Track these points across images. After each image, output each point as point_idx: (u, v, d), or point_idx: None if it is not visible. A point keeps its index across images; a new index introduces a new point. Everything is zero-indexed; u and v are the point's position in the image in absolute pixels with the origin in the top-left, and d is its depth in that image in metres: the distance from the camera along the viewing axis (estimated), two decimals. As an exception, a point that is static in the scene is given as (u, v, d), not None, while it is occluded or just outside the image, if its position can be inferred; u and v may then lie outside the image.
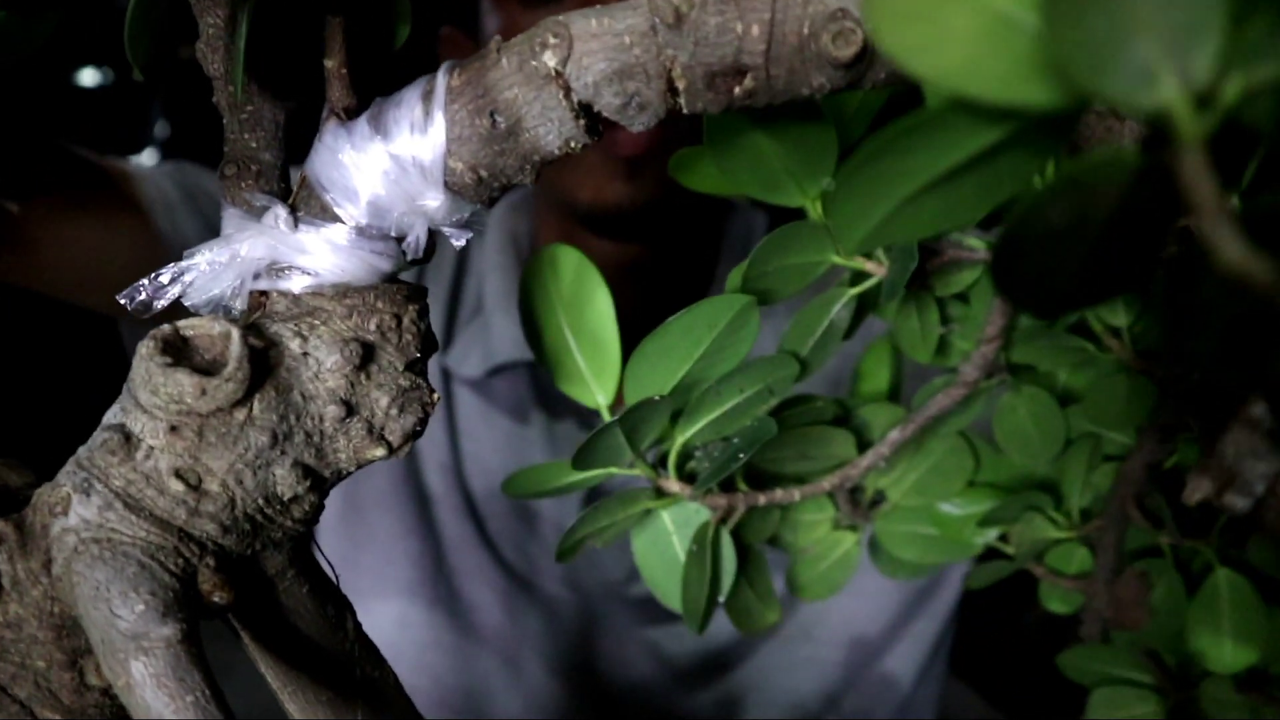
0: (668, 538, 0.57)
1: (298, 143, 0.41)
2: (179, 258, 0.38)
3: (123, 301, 0.39)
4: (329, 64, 0.39)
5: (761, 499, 0.58)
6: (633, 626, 1.12)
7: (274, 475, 0.38)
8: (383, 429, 0.40)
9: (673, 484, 0.55)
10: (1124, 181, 0.22)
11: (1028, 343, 0.59)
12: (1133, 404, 0.58)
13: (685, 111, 0.37)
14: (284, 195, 0.41)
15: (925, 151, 0.27)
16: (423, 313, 0.41)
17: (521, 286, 0.54)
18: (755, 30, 0.35)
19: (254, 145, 0.40)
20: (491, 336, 1.10)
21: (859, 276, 0.55)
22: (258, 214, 0.39)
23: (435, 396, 0.41)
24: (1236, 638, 0.59)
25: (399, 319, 0.40)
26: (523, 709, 1.11)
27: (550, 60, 0.36)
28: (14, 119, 0.80)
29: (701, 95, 0.36)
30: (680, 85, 0.36)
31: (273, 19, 0.37)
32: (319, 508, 0.40)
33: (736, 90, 0.36)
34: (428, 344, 0.41)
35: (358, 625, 0.45)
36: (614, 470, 0.54)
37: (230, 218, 0.40)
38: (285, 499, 0.38)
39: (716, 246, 1.18)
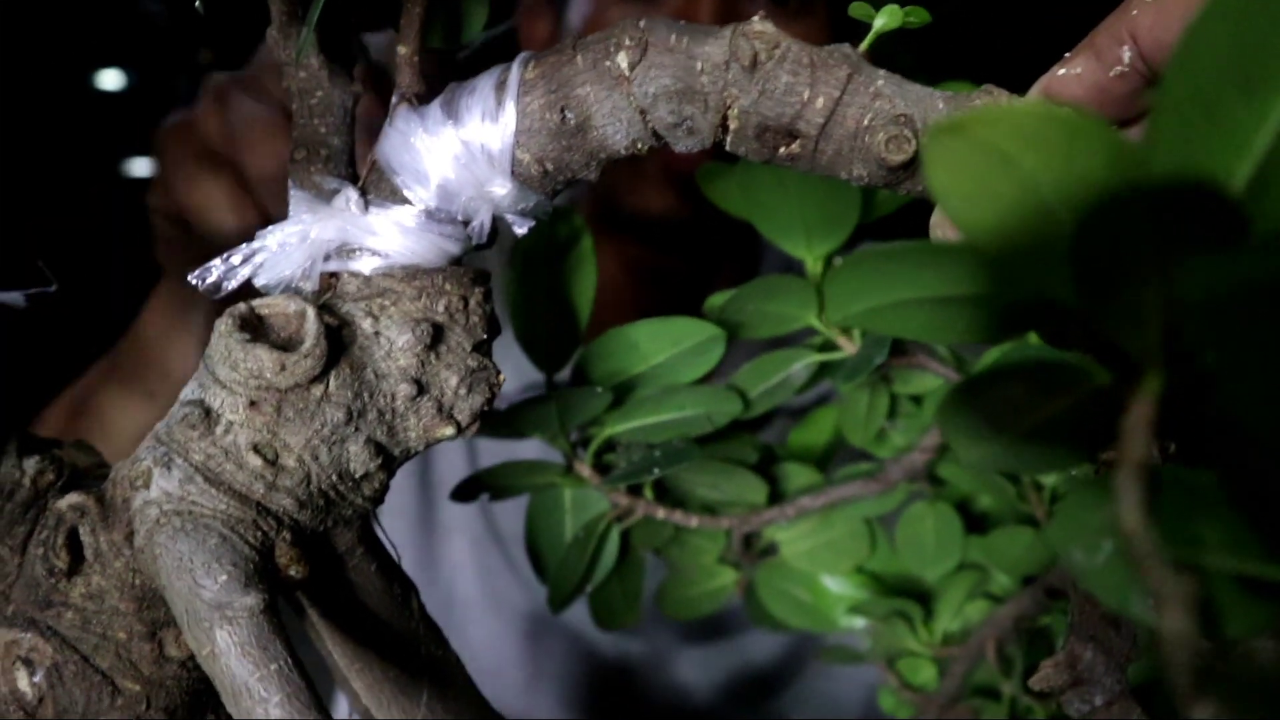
0: (561, 515, 0.58)
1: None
2: None
3: (194, 281, 0.40)
4: (402, 50, 0.39)
5: (661, 513, 0.59)
6: (661, 647, 1.10)
7: (348, 452, 0.38)
8: (452, 408, 0.40)
9: (585, 469, 0.56)
10: (1084, 392, 0.24)
11: (959, 464, 0.60)
12: (1028, 557, 0.60)
13: (727, 149, 0.38)
14: (351, 180, 0.41)
15: (935, 271, 0.28)
16: (488, 295, 0.41)
17: (521, 241, 0.54)
18: (820, 103, 0.36)
19: (323, 130, 0.41)
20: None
21: (829, 345, 0.57)
22: (327, 197, 0.40)
23: (501, 378, 0.41)
24: (1040, 799, 0.62)
25: (466, 301, 0.40)
26: None
27: (623, 62, 0.36)
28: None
29: (748, 142, 0.37)
30: (732, 125, 0.37)
31: (344, 6, 0.38)
32: (387, 486, 0.40)
33: (781, 150, 0.37)
34: (493, 326, 0.41)
35: (422, 605, 0.45)
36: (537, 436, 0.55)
37: (299, 200, 0.40)
38: (357, 476, 0.39)
39: (756, 264, 1.16)
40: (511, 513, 1.08)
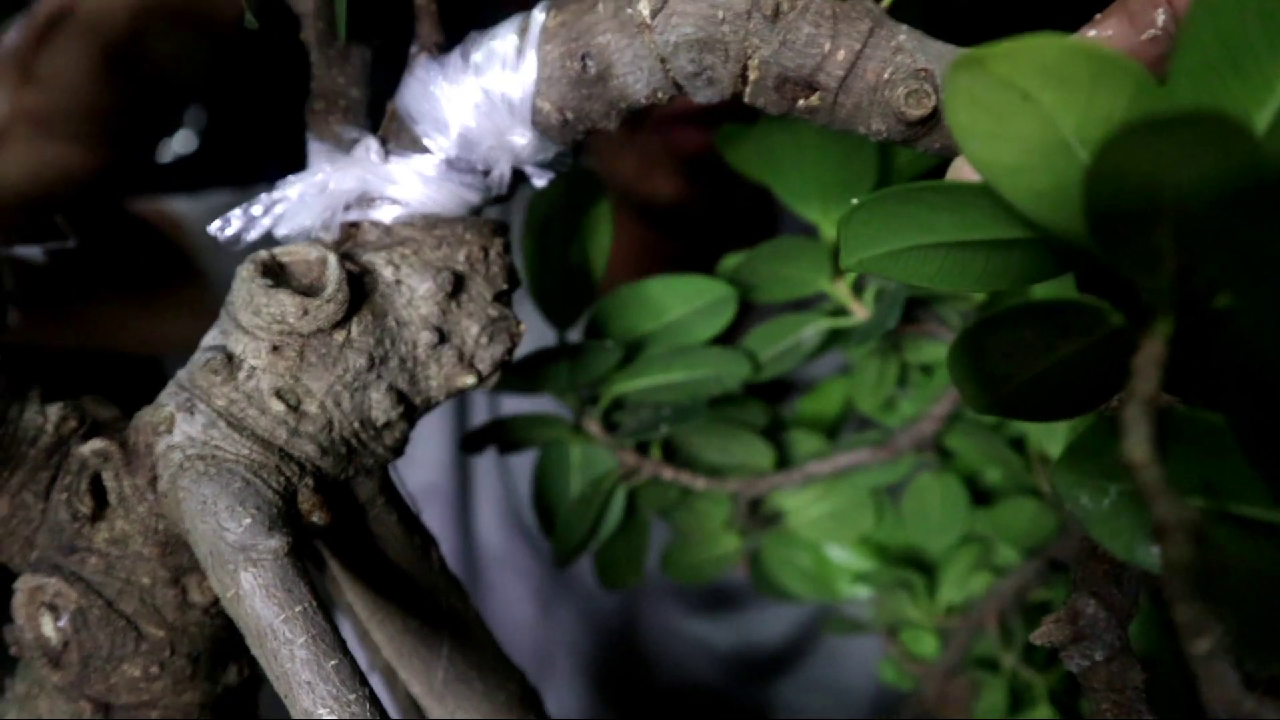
0: (568, 471, 0.58)
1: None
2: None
3: (213, 232, 0.40)
4: (419, 0, 0.39)
5: (668, 473, 0.59)
6: (671, 621, 1.10)
7: (370, 399, 0.38)
8: (473, 357, 0.40)
9: (593, 425, 0.56)
10: (1098, 333, 0.24)
11: (966, 435, 0.60)
12: (1033, 530, 0.60)
13: (745, 101, 0.38)
14: (370, 130, 0.41)
15: (952, 215, 0.28)
16: (508, 247, 0.41)
17: (539, 198, 0.54)
18: (840, 55, 0.36)
19: (341, 81, 0.41)
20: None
21: (841, 311, 0.56)
22: (346, 147, 0.40)
23: (522, 327, 0.41)
24: (1035, 771, 0.62)
25: (486, 251, 0.40)
26: (554, 704, 1.08)
27: (644, 9, 0.36)
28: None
29: (767, 93, 0.37)
30: (752, 76, 0.37)
31: None
32: (407, 437, 0.40)
33: (800, 103, 0.37)
34: (513, 277, 0.41)
35: (442, 558, 0.45)
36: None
37: (317, 152, 0.40)
38: (379, 424, 0.39)
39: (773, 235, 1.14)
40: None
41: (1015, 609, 0.61)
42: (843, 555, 0.69)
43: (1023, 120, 0.22)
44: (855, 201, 0.28)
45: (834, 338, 0.58)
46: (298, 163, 0.41)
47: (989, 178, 0.23)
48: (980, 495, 0.64)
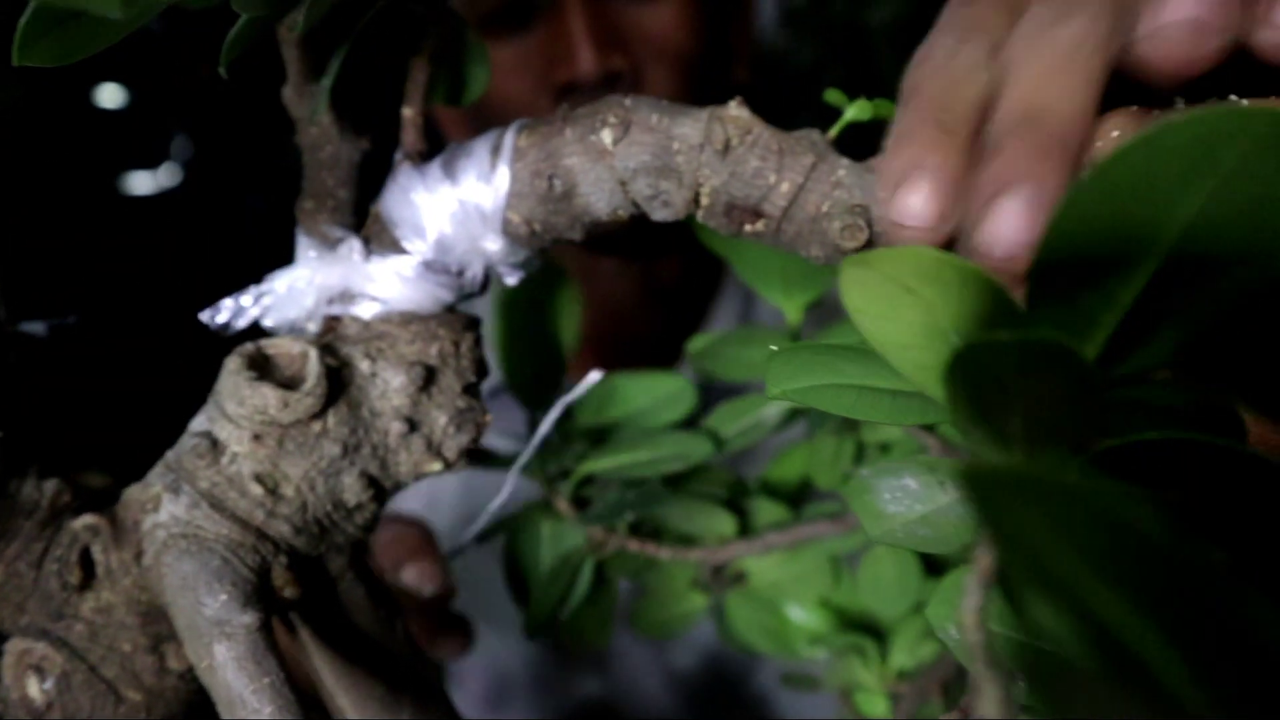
0: (539, 545, 0.61)
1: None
2: None
3: (204, 320, 0.43)
4: (407, 112, 0.43)
5: (633, 546, 0.62)
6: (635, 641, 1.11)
7: (342, 483, 0.41)
8: (440, 446, 0.43)
9: (562, 503, 0.59)
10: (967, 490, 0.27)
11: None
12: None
13: (698, 221, 0.41)
14: (355, 230, 0.44)
15: (857, 365, 0.32)
16: (478, 340, 0.44)
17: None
18: (785, 187, 0.39)
19: (330, 183, 0.44)
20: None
21: (801, 392, 0.60)
22: (332, 245, 0.43)
23: (488, 418, 0.44)
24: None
25: (457, 345, 0.43)
26: None
27: (607, 138, 0.39)
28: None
29: (716, 217, 0.40)
30: (704, 201, 0.40)
31: (356, 71, 0.41)
32: (378, 516, 0.44)
33: (747, 227, 0.40)
34: (481, 369, 0.44)
35: (406, 629, 0.48)
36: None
37: (305, 248, 0.43)
38: (350, 506, 0.42)
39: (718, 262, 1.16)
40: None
41: (958, 679, 0.63)
42: (802, 616, 0.71)
43: (907, 308, 0.25)
44: (774, 349, 0.31)
45: (794, 415, 0.61)
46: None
47: (880, 350, 0.26)
48: (933, 566, 0.67)
